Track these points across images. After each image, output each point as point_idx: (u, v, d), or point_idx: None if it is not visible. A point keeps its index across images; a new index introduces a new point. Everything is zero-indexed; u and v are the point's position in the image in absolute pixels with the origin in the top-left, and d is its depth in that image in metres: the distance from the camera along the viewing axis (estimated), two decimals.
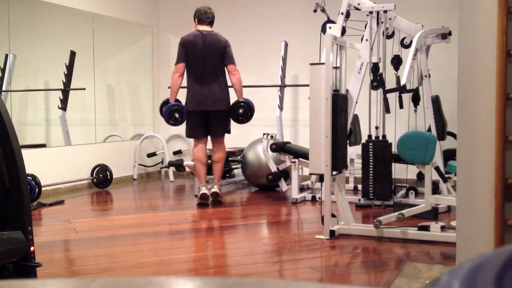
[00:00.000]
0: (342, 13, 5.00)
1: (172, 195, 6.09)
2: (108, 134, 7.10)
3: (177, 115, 4.97)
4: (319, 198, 4.93)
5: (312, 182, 5.85)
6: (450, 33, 4.88)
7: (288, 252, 3.47)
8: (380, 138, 4.61)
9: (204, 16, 5.06)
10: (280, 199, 5.40)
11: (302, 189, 5.66)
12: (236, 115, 5.10)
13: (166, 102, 5.12)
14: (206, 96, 4.93)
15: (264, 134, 5.56)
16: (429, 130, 4.94)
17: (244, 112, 5.10)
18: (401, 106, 4.84)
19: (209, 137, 5.17)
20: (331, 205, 3.70)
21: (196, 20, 5.09)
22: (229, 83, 5.13)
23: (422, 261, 3.18)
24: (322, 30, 5.01)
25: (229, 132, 5.22)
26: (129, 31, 7.25)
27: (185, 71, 5.00)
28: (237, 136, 6.71)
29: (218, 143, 5.14)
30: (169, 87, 5.20)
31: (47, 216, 4.75)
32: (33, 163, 5.33)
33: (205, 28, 5.05)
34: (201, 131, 5.06)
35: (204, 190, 4.99)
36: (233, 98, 5.16)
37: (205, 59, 4.94)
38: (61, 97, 6.13)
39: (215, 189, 5.03)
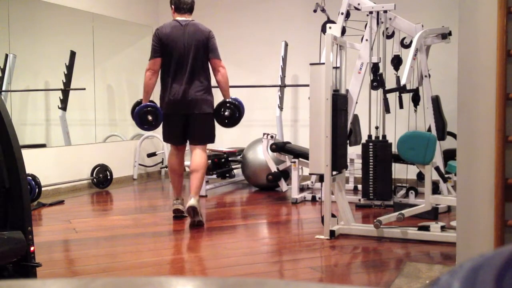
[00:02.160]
0: (342, 13, 5.00)
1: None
2: (108, 134, 7.10)
3: (150, 118, 4.24)
4: (319, 198, 4.93)
5: (312, 182, 5.85)
6: (450, 33, 4.88)
7: (288, 252, 3.47)
8: (380, 138, 4.61)
9: (181, 4, 4.31)
10: (280, 199, 5.40)
11: (302, 189, 5.66)
12: (222, 117, 4.36)
13: (138, 104, 4.41)
14: (188, 97, 4.19)
15: (264, 134, 5.56)
16: (429, 130, 4.94)
17: (231, 114, 4.36)
18: (401, 106, 4.84)
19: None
20: (331, 205, 3.70)
21: (172, 7, 4.37)
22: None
23: (422, 261, 3.18)
24: (322, 30, 5.01)
25: (213, 140, 4.44)
26: (129, 31, 7.25)
27: (161, 68, 4.30)
28: (237, 136, 6.72)
29: (198, 151, 4.32)
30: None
31: (47, 216, 4.74)
32: (33, 163, 5.33)
33: (184, 17, 4.31)
34: (179, 138, 4.33)
35: (178, 205, 4.35)
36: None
37: (186, 53, 4.20)
38: (61, 97, 6.14)
39: (192, 202, 4.06)
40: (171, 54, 4.23)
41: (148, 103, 4.32)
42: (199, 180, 4.22)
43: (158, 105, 4.34)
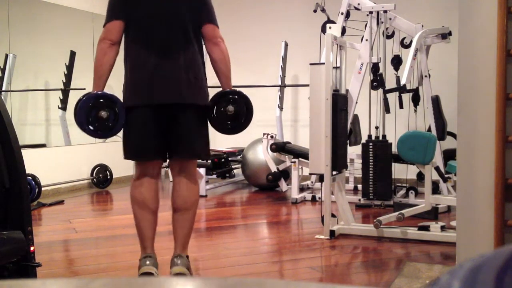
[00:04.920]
0: (342, 13, 5.01)
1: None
2: None
3: (103, 114, 2.55)
4: (319, 198, 4.93)
5: (312, 182, 5.85)
6: (450, 33, 4.88)
7: (288, 252, 3.47)
8: (380, 138, 4.61)
9: None
10: (280, 199, 5.40)
11: (302, 189, 5.66)
12: (222, 117, 2.74)
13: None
14: (168, 79, 2.57)
15: (264, 134, 5.56)
16: (429, 130, 4.94)
17: (237, 111, 2.72)
18: (401, 106, 4.84)
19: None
20: (331, 205, 3.70)
21: None
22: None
23: (422, 261, 3.18)
24: (322, 30, 5.01)
25: (208, 152, 2.84)
26: None
27: (124, 37, 2.67)
28: (237, 136, 6.70)
29: (185, 172, 2.70)
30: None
31: (47, 216, 4.74)
32: (33, 163, 5.32)
33: None
34: (152, 147, 2.63)
35: (148, 266, 2.63)
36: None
37: (164, 14, 2.61)
38: (61, 97, 6.14)
39: (179, 267, 2.64)
40: (141, 15, 2.62)
41: (101, 92, 2.66)
42: (189, 225, 2.73)
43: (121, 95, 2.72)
